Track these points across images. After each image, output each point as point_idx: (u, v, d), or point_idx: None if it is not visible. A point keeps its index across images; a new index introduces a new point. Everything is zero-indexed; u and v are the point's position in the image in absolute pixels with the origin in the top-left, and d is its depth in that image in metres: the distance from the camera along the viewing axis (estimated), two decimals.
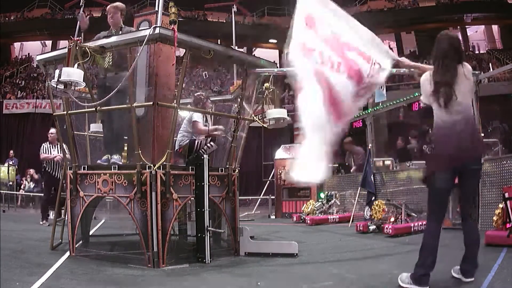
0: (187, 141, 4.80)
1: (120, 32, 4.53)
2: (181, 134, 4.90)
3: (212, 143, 4.72)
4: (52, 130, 7.74)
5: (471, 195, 2.99)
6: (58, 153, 7.54)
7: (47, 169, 7.69)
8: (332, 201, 8.49)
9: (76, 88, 3.84)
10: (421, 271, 2.82)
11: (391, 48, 24.47)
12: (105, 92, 4.41)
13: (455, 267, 3.06)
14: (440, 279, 3.01)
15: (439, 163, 2.92)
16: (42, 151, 7.72)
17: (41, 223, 7.50)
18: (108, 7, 4.81)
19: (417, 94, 7.18)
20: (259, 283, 3.21)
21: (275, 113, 4.93)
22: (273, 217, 10.52)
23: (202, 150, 4.62)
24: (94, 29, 4.87)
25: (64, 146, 7.60)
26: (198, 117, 4.90)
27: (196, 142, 4.71)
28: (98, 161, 4.62)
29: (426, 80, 2.98)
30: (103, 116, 4.81)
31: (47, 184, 7.87)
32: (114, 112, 4.51)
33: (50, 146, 7.76)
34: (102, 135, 5.08)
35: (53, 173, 7.62)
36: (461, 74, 2.87)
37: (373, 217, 6.33)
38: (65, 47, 4.14)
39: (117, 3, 4.81)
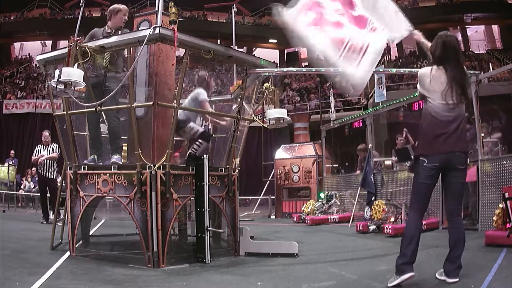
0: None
1: (120, 32, 4.52)
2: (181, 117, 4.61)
3: (200, 140, 4.61)
4: (45, 133, 7.97)
5: (455, 195, 3.04)
6: (46, 154, 7.85)
7: (38, 170, 8.17)
8: (332, 201, 8.49)
9: (76, 88, 3.84)
10: (401, 260, 2.88)
11: (390, 48, 24.48)
12: (100, 92, 4.41)
13: (440, 270, 3.04)
14: (437, 280, 3.01)
15: (430, 151, 3.00)
16: (33, 154, 8.06)
17: (40, 221, 7.76)
18: (123, 6, 4.75)
19: (417, 94, 7.17)
20: (259, 283, 3.21)
21: (275, 113, 4.93)
22: (273, 217, 10.52)
23: (193, 150, 4.56)
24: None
25: (54, 145, 7.79)
26: (204, 94, 4.70)
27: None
28: (85, 161, 4.59)
29: (425, 74, 3.07)
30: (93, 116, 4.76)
31: (39, 184, 8.61)
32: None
33: (41, 148, 8.00)
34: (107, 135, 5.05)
35: (43, 173, 7.94)
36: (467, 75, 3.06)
37: (373, 217, 6.33)
38: (65, 47, 4.14)
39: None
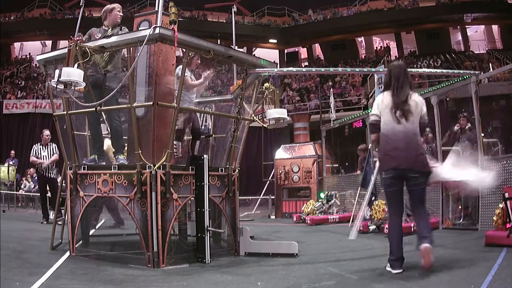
0: None
1: (119, 32, 4.52)
2: None
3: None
4: (47, 132, 7.89)
5: (415, 198, 3.46)
6: (48, 154, 7.78)
7: (38, 170, 8.04)
8: (332, 201, 8.49)
9: (76, 88, 3.83)
10: (390, 257, 3.37)
11: (390, 48, 24.47)
12: (100, 92, 4.40)
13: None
14: (437, 280, 3.01)
15: (384, 166, 3.49)
16: (32, 153, 7.92)
17: (40, 221, 7.73)
18: (116, 4, 4.78)
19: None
20: (259, 283, 3.21)
21: (275, 113, 4.93)
22: (273, 217, 10.52)
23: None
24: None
25: (53, 145, 7.75)
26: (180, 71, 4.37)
27: None
28: (84, 161, 4.58)
29: (378, 98, 3.58)
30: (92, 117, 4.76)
31: (40, 184, 8.40)
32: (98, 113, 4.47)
33: (41, 148, 7.90)
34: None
35: (44, 173, 7.87)
36: (409, 97, 3.45)
37: (373, 217, 6.34)
38: (65, 47, 4.14)
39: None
